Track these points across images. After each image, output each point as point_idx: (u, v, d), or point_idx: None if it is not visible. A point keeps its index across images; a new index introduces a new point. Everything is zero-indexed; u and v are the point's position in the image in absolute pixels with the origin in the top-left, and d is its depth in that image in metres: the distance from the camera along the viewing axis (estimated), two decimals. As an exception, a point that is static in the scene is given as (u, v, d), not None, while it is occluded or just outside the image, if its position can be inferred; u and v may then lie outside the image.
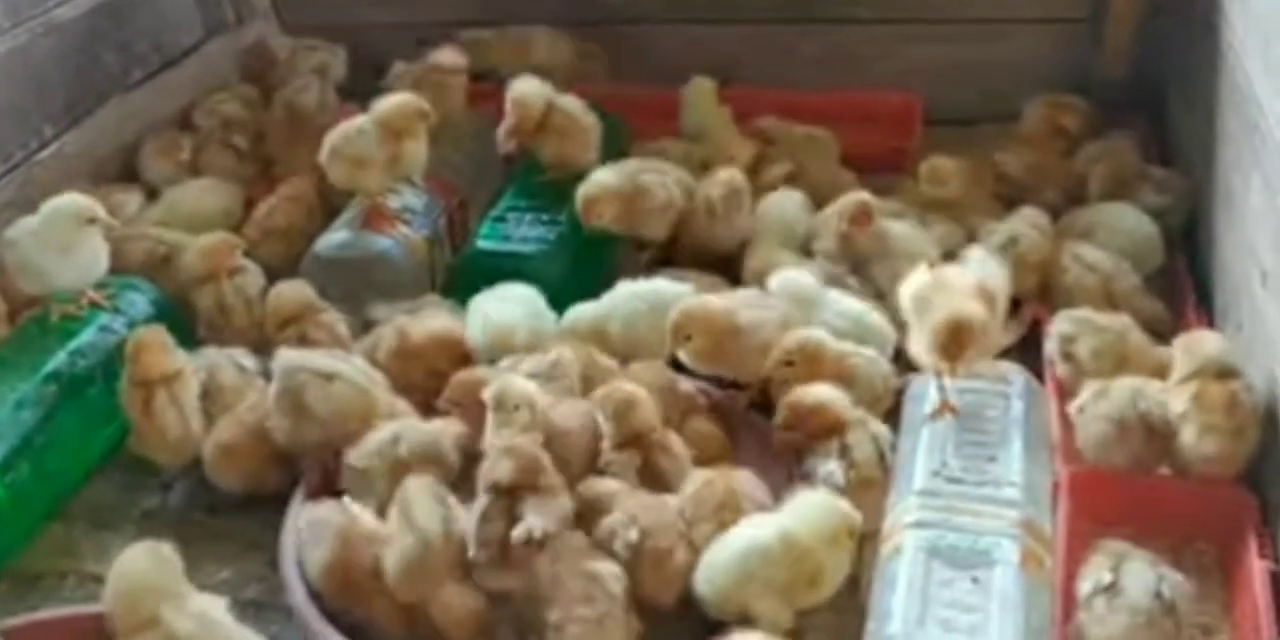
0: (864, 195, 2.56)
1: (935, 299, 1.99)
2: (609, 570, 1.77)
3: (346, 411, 2.07)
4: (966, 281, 2.04)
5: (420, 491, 1.87)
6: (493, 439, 1.93)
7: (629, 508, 1.86)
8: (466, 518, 1.84)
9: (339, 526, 1.86)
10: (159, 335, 2.19)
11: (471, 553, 1.80)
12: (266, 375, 2.21)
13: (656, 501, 1.89)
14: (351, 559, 1.82)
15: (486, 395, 1.96)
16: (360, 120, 2.60)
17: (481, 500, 1.84)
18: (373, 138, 2.56)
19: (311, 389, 2.06)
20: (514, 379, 2.01)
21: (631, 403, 1.97)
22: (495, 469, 1.83)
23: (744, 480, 1.92)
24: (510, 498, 1.82)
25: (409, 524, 1.82)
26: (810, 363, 2.13)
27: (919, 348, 2.01)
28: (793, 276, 2.33)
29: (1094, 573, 1.74)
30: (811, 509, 1.76)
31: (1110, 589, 1.70)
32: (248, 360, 2.33)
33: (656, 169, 2.65)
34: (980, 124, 3.14)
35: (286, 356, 2.11)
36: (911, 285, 2.07)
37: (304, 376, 2.07)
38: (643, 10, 3.36)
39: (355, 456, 2.02)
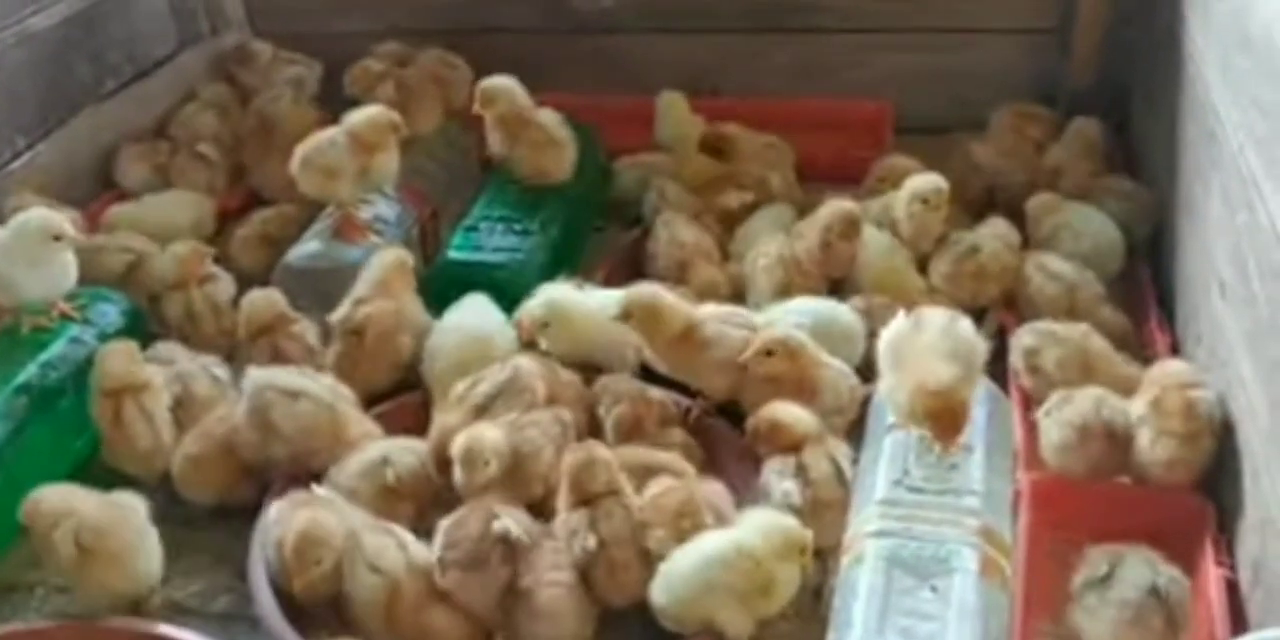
0: (851, 206, 2.54)
1: (913, 357, 1.96)
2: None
3: (312, 429, 2.09)
4: (945, 338, 1.99)
5: (374, 533, 1.87)
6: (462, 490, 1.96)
7: (592, 515, 1.89)
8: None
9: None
10: (127, 347, 2.21)
11: (438, 553, 1.82)
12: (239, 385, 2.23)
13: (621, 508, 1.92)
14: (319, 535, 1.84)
15: (454, 450, 1.97)
16: (332, 131, 2.62)
17: (460, 510, 1.87)
18: (344, 149, 2.58)
19: (278, 407, 2.08)
20: (482, 433, 1.98)
21: (590, 462, 1.92)
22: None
23: (708, 491, 1.94)
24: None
25: (371, 569, 1.82)
26: (789, 358, 2.14)
27: (895, 400, 1.98)
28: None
29: (1090, 567, 1.77)
30: (762, 524, 1.78)
31: (1104, 581, 1.73)
32: (221, 370, 2.34)
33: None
34: (950, 132, 3.17)
35: (255, 375, 2.13)
36: (891, 333, 2.05)
37: (271, 395, 2.09)
38: (617, 20, 3.38)
39: (343, 476, 2.04)
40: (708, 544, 1.78)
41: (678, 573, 1.78)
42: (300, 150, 2.60)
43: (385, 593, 1.80)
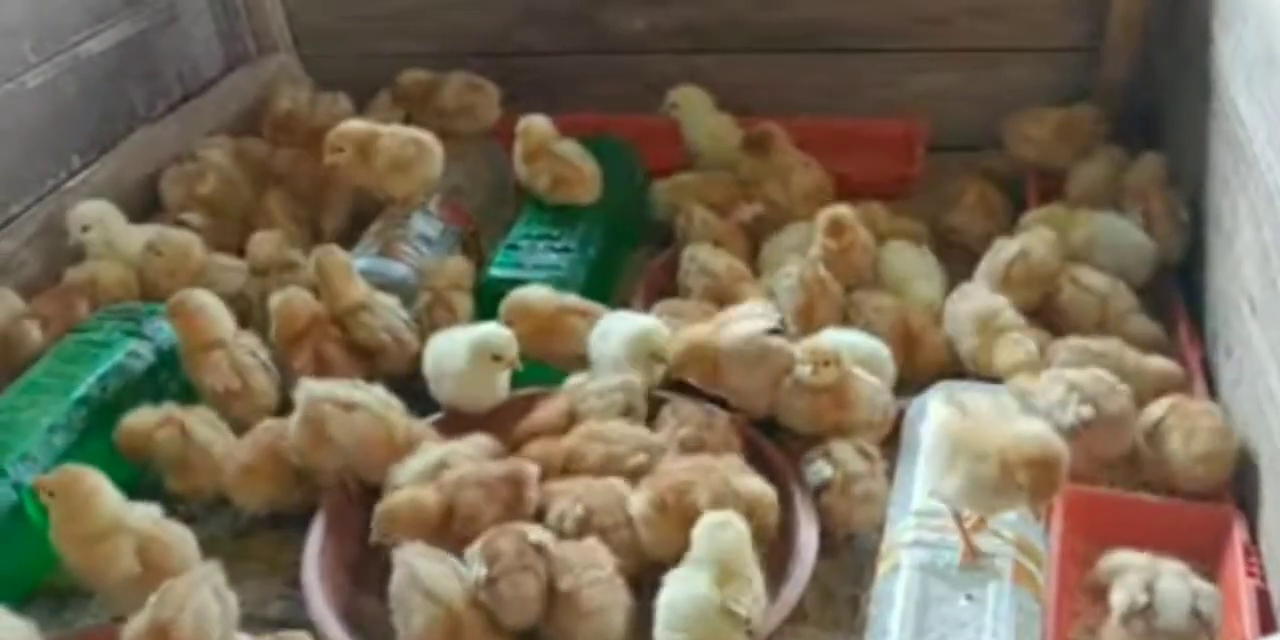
0: (839, 208, 2.60)
1: (977, 438, 1.84)
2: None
3: (367, 440, 2.13)
4: (1002, 409, 1.92)
5: (425, 559, 1.89)
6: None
7: (575, 491, 1.99)
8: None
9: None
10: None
11: (482, 572, 1.84)
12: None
13: (603, 484, 2.02)
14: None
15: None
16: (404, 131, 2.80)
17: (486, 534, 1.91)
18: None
19: (334, 419, 2.13)
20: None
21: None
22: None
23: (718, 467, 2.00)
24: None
25: (428, 597, 1.83)
26: (836, 368, 2.17)
27: (946, 487, 1.87)
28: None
29: (1128, 590, 1.76)
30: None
31: (1147, 610, 1.72)
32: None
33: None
34: (982, 150, 3.22)
35: (309, 386, 2.18)
36: (940, 424, 1.91)
37: (327, 407, 2.14)
38: (649, 41, 3.44)
39: (400, 478, 2.08)
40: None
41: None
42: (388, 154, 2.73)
43: (443, 622, 1.81)
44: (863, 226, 2.65)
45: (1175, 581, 1.76)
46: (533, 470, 2.03)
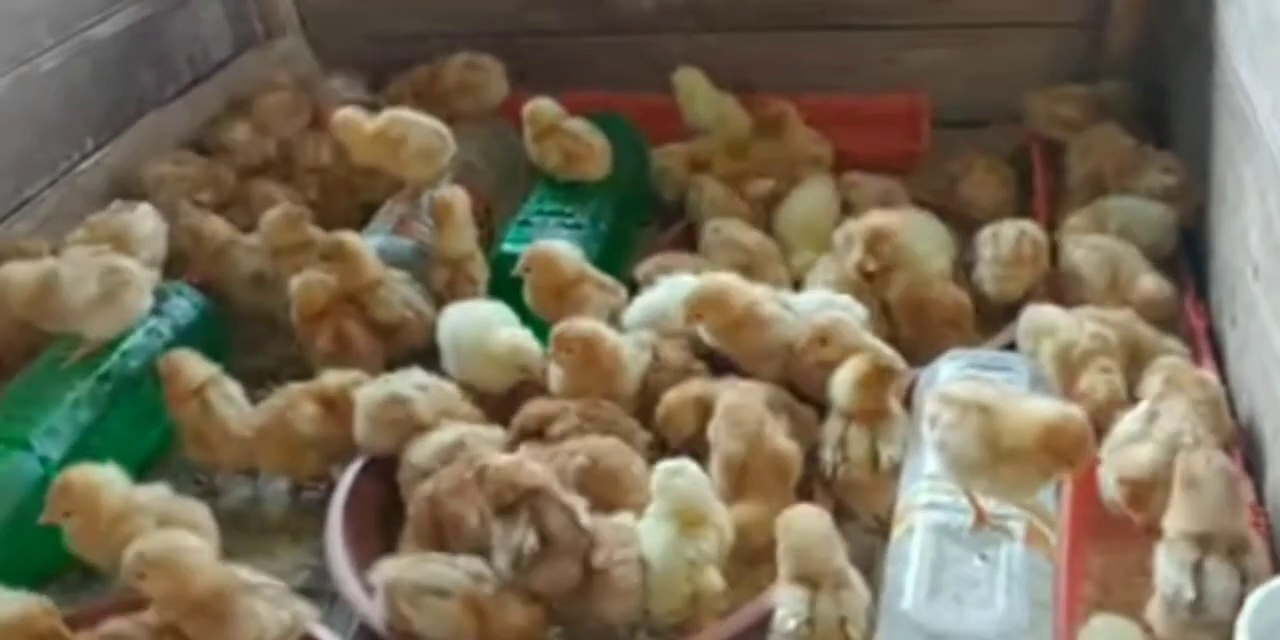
0: (884, 220, 2.48)
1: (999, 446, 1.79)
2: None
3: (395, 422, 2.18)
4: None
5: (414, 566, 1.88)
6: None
7: (575, 446, 2.03)
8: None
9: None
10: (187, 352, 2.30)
11: (509, 562, 1.84)
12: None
13: (599, 439, 2.06)
14: None
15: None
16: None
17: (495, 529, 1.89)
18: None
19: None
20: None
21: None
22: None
23: None
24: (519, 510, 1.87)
25: (439, 595, 1.83)
26: (839, 347, 2.20)
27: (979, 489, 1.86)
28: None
29: (1173, 580, 1.72)
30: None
31: (1197, 603, 1.69)
32: None
33: None
34: (987, 125, 3.24)
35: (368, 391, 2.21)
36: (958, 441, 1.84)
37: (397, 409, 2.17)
38: (655, 20, 3.46)
39: (417, 456, 2.11)
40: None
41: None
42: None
43: (463, 611, 1.82)
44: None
45: (1219, 570, 1.70)
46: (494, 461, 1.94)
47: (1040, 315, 2.29)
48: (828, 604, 1.70)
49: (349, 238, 2.55)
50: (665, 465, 1.90)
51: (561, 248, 2.49)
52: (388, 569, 1.86)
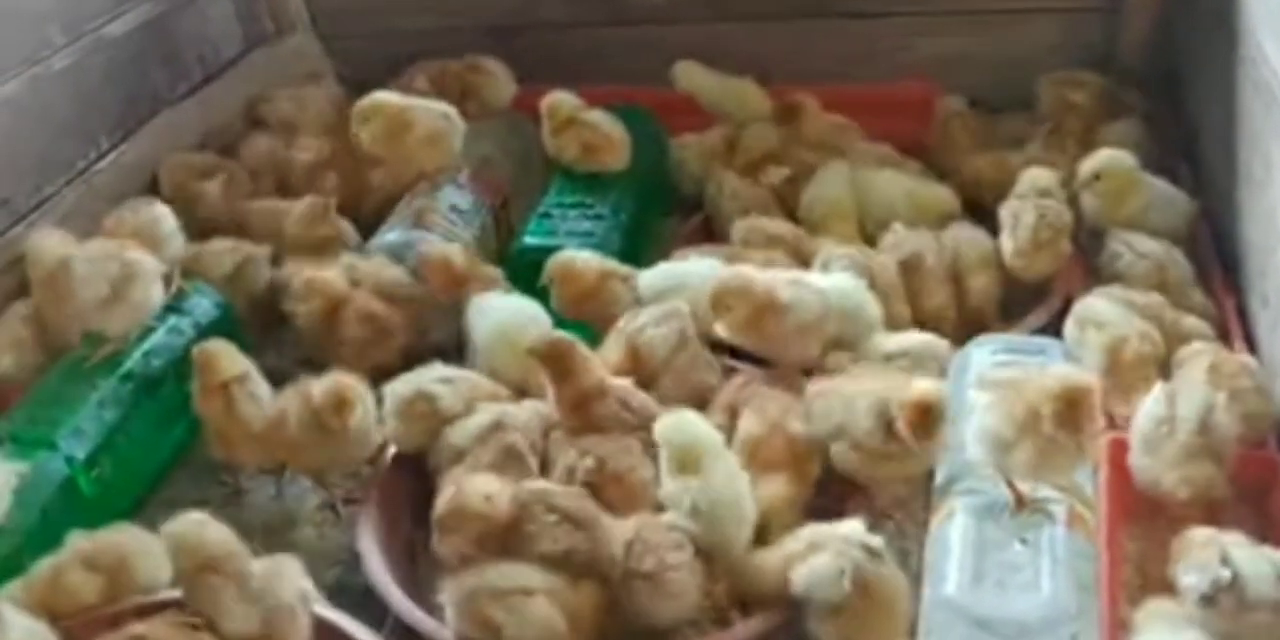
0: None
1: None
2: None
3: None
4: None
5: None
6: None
7: (581, 446, 2.02)
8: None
9: None
10: (222, 343, 2.27)
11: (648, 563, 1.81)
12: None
13: (606, 438, 2.04)
14: None
15: None
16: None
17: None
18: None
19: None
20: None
21: None
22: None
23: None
24: None
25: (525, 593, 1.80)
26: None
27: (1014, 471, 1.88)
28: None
29: (1205, 568, 1.64)
30: None
31: (1234, 586, 1.61)
32: None
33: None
34: (1001, 112, 3.22)
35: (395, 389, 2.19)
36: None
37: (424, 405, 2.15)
38: (667, 12, 3.44)
39: (456, 436, 2.09)
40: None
41: None
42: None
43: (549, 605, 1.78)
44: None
45: (1253, 558, 1.64)
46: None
47: (1090, 309, 2.27)
48: None
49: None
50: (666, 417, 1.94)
51: (578, 254, 2.46)
52: (463, 582, 1.81)
